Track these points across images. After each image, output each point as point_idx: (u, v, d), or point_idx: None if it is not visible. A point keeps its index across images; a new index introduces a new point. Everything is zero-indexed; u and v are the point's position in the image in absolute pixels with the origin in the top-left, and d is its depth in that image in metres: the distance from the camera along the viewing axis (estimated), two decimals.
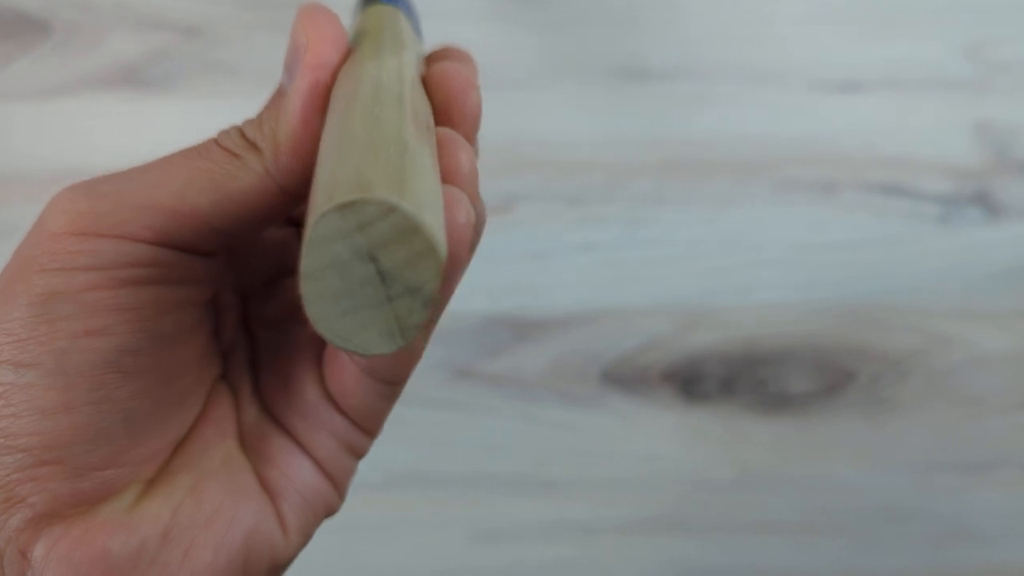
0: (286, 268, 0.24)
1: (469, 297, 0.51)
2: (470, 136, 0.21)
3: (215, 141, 0.20)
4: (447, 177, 0.18)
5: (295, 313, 0.23)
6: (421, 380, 0.48)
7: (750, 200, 0.50)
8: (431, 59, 0.23)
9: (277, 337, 0.23)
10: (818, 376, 0.50)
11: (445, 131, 0.19)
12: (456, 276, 0.18)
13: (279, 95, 0.20)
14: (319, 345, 0.23)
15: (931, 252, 0.50)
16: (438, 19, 0.51)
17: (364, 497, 0.49)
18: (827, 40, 0.50)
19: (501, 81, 0.50)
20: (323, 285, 0.14)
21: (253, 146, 0.20)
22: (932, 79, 0.50)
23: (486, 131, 0.53)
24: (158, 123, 0.50)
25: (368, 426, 0.23)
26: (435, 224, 0.15)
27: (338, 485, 0.23)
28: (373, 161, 0.15)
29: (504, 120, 0.50)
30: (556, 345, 0.49)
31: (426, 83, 0.20)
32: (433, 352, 0.48)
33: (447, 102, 0.20)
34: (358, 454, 0.23)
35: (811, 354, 0.50)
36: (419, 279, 0.14)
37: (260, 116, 0.20)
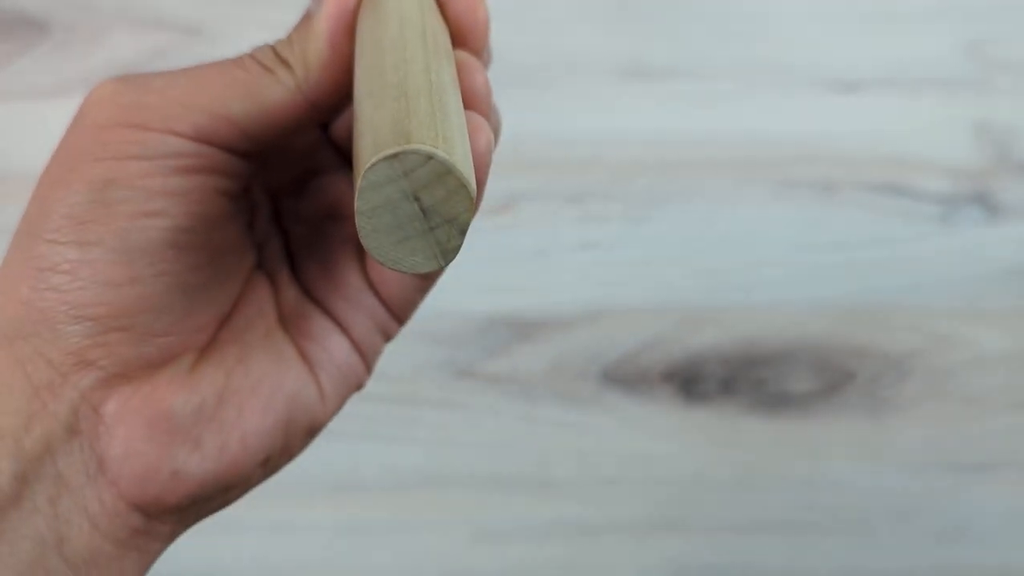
0: (314, 169, 0.26)
1: (469, 297, 0.51)
2: (480, 51, 0.22)
3: (251, 55, 0.22)
4: (466, 100, 0.20)
5: (330, 211, 0.25)
6: (421, 380, 0.48)
7: (750, 200, 0.50)
8: None
9: (312, 231, 0.25)
10: (818, 376, 0.50)
11: (460, 55, 0.21)
12: (482, 188, 0.20)
13: (307, 17, 0.22)
14: (358, 246, 0.25)
15: (931, 252, 0.50)
16: None
17: (364, 497, 0.49)
18: (827, 40, 0.50)
19: (501, 80, 0.50)
20: (376, 221, 0.17)
21: (285, 63, 0.21)
22: (932, 79, 0.50)
23: None
24: None
25: (402, 313, 0.25)
26: (465, 164, 0.18)
27: (368, 362, 0.25)
28: (408, 110, 0.18)
29: (504, 120, 0.50)
30: (556, 345, 0.49)
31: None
32: (433, 352, 0.48)
33: (457, 22, 0.22)
34: (388, 336, 0.26)
35: (811, 354, 0.50)
36: (455, 211, 0.17)
37: (290, 36, 0.22)
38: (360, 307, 0.25)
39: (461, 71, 0.21)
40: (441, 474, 0.49)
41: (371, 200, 0.17)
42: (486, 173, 0.20)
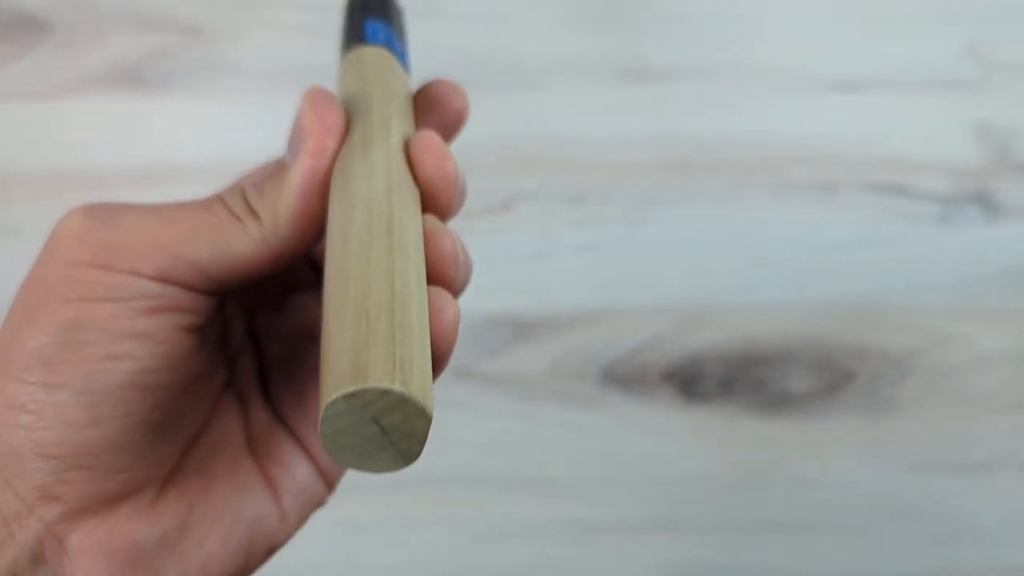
0: (292, 286, 0.26)
1: (469, 297, 0.51)
2: (450, 210, 0.22)
3: (221, 199, 0.22)
4: (433, 267, 0.21)
5: (307, 331, 0.25)
6: None
7: (750, 200, 0.50)
8: (419, 106, 0.24)
9: (287, 349, 0.26)
10: (818, 376, 0.50)
11: (428, 220, 0.21)
12: (446, 360, 0.21)
13: (281, 168, 0.22)
14: None
15: (931, 252, 0.50)
16: (436, 22, 0.51)
17: (365, 498, 0.49)
18: (827, 40, 0.50)
19: (501, 81, 0.50)
20: (339, 441, 0.18)
21: (254, 213, 0.22)
22: (932, 79, 0.50)
23: (487, 130, 0.53)
24: (158, 123, 0.50)
25: None
26: (422, 388, 0.19)
27: (331, 484, 0.26)
28: (368, 336, 0.18)
29: (504, 120, 0.50)
30: (556, 345, 0.49)
31: (408, 152, 0.22)
32: None
33: (428, 183, 0.22)
34: None
35: (811, 354, 0.50)
36: (413, 428, 0.19)
37: (263, 185, 0.22)
38: None
39: (429, 238, 0.21)
40: (441, 474, 0.49)
41: (333, 425, 0.18)
42: (452, 345, 0.21)
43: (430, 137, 0.22)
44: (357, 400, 0.18)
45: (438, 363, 0.21)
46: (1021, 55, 0.50)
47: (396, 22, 0.26)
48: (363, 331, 0.18)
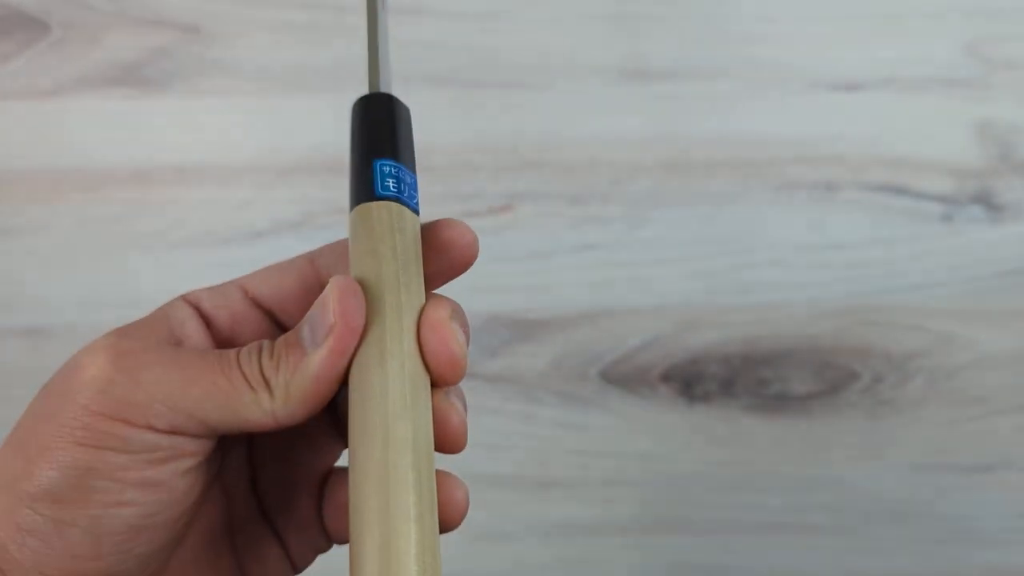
0: None
1: (469, 297, 0.51)
2: (457, 381, 0.24)
3: (239, 364, 0.23)
4: (442, 440, 0.23)
5: (297, 447, 0.27)
6: None
7: (750, 200, 0.50)
8: (429, 245, 0.26)
9: (280, 463, 0.27)
10: (819, 376, 0.49)
11: (436, 398, 0.23)
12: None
13: (299, 348, 0.23)
14: (321, 481, 0.27)
15: (933, 252, 0.50)
16: (437, 21, 0.51)
17: None
18: (827, 39, 0.50)
19: (501, 81, 0.50)
20: None
21: (267, 386, 0.23)
22: (933, 78, 0.50)
23: (487, 130, 0.53)
24: (157, 122, 0.50)
25: (342, 541, 0.27)
26: None
27: (299, 570, 0.28)
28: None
29: (504, 120, 0.50)
30: (556, 345, 0.49)
31: (418, 334, 0.24)
32: None
33: (438, 370, 0.23)
34: (320, 552, 0.28)
35: (812, 354, 0.49)
36: None
37: (279, 359, 0.23)
38: (307, 535, 0.27)
39: (438, 416, 0.23)
40: None
41: None
42: (460, 523, 0.24)
43: (437, 322, 0.24)
44: None
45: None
46: (1022, 53, 0.50)
47: (405, 148, 0.27)
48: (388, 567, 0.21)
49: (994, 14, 0.50)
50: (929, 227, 0.50)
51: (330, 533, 0.27)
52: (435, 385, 0.24)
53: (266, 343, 0.24)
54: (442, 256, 0.25)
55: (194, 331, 0.25)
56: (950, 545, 0.50)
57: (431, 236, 0.25)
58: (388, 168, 0.25)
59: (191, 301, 0.26)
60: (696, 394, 0.49)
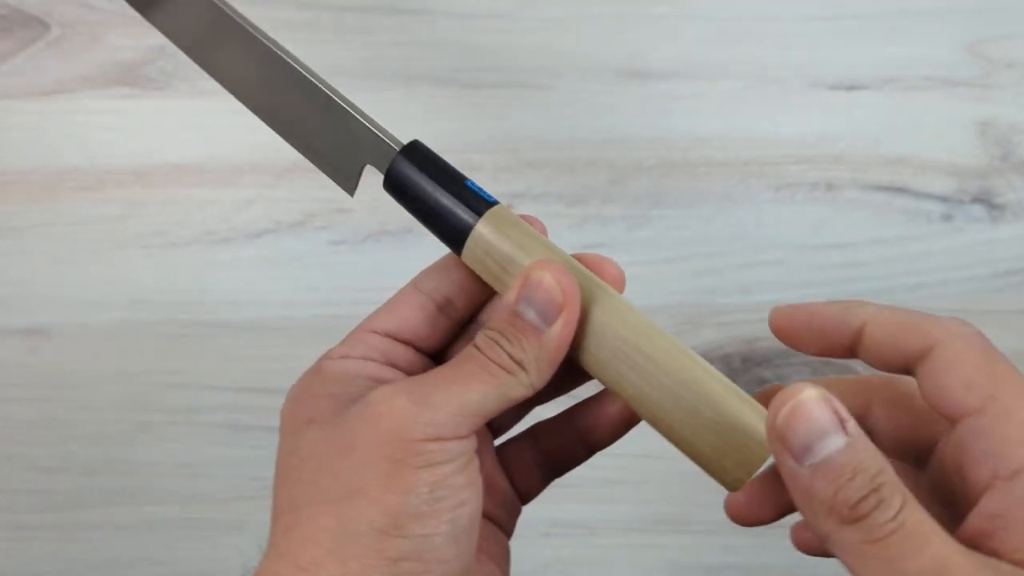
0: None
1: None
2: (623, 284, 0.31)
3: (488, 356, 0.28)
4: (612, 279, 0.31)
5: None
6: None
7: (750, 200, 0.50)
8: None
9: (507, 415, 0.34)
10: (819, 376, 0.49)
11: (591, 262, 0.31)
12: None
13: (531, 328, 0.28)
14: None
15: (934, 251, 0.50)
16: (437, 21, 0.51)
17: None
18: (828, 39, 0.50)
19: (501, 81, 0.50)
20: None
21: (522, 366, 0.28)
22: (934, 78, 0.50)
23: (487, 130, 0.53)
24: (156, 121, 0.50)
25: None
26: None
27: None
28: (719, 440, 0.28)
29: (504, 120, 0.50)
30: None
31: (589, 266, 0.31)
32: None
33: (613, 281, 0.31)
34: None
35: None
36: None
37: (519, 341, 0.28)
38: (527, 474, 0.35)
39: (601, 269, 0.30)
40: None
41: None
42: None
43: (599, 261, 0.31)
44: None
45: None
46: (1023, 53, 0.50)
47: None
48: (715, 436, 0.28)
49: (995, 14, 0.50)
50: (929, 227, 0.50)
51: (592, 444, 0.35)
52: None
53: (486, 335, 0.28)
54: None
55: (387, 368, 0.30)
56: None
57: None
58: (475, 183, 0.30)
59: (342, 355, 0.30)
60: None
